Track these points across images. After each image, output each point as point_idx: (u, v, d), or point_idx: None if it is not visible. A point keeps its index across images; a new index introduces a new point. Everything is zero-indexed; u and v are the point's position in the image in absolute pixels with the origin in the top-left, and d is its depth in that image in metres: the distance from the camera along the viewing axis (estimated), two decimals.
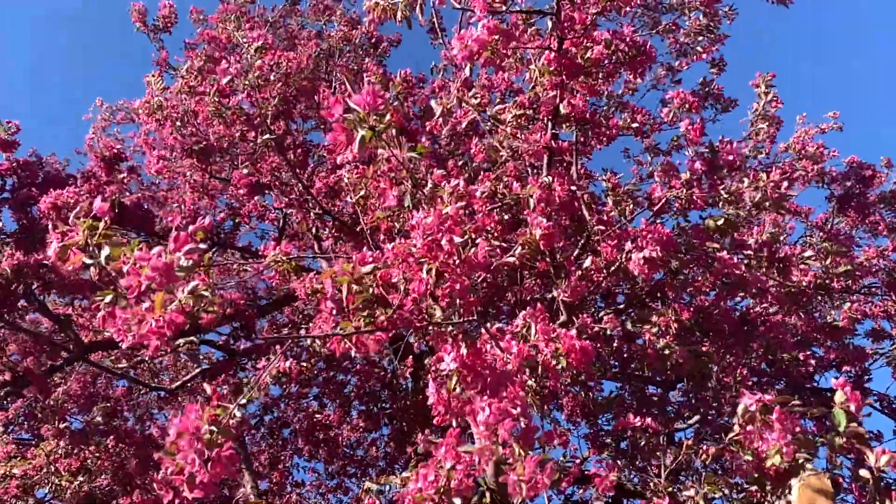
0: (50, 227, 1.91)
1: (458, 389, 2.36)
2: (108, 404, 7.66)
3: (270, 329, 7.02)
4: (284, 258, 3.46)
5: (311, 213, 5.77)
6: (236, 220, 6.77)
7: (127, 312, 1.76)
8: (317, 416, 7.63)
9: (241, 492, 8.16)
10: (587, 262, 3.79)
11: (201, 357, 7.76)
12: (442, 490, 2.36)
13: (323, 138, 6.91)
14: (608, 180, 4.26)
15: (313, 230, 6.40)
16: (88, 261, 1.82)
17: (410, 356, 6.43)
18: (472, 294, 2.50)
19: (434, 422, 2.40)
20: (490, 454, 2.22)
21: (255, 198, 6.04)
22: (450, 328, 2.41)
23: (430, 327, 2.38)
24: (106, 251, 1.78)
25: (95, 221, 1.85)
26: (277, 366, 5.19)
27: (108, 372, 7.29)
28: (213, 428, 1.73)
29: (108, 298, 1.82)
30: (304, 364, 6.27)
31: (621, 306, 5.83)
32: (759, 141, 4.98)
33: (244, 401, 1.99)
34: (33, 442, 7.62)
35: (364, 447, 8.40)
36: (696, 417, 6.68)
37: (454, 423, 2.41)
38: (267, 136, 4.45)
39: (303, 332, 5.50)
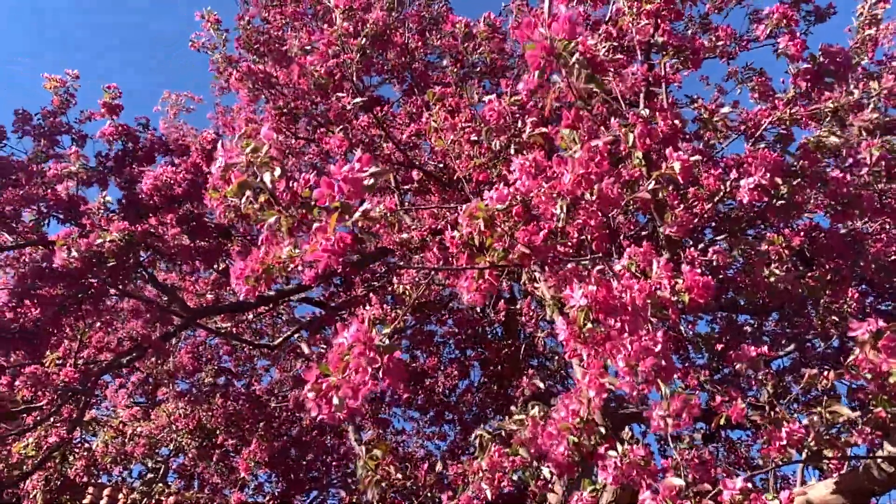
0: (219, 146, 1.93)
1: (588, 325, 2.38)
2: (216, 366, 8.11)
3: (362, 283, 7.20)
4: (390, 213, 3.53)
5: (395, 168, 5.83)
6: (313, 187, 6.86)
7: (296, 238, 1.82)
8: (413, 364, 7.84)
9: (346, 441, 8.56)
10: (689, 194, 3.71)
11: (300, 316, 8.07)
12: (584, 418, 2.42)
13: (393, 91, 6.93)
14: (704, 108, 4.12)
15: (393, 182, 6.47)
16: (251, 181, 1.85)
17: (501, 301, 6.50)
18: (603, 229, 2.50)
19: (566, 356, 2.45)
20: (632, 389, 2.25)
21: (343, 158, 6.14)
22: (581, 263, 2.43)
23: (561, 262, 2.41)
24: (277, 171, 1.82)
25: (259, 145, 1.89)
26: (374, 312, 5.30)
27: (215, 334, 7.68)
28: (384, 338, 1.76)
29: (273, 219, 1.86)
30: (398, 310, 6.44)
31: (713, 238, 5.71)
32: (865, 48, 4.68)
33: (388, 330, 2.03)
34: (149, 405, 8.17)
35: (457, 393, 8.59)
36: (794, 346, 6.54)
37: (582, 358, 2.45)
38: (358, 99, 4.50)
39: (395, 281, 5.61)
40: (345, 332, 1.72)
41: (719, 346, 6.23)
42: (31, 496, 6.19)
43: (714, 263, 3.94)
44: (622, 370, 2.11)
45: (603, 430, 2.23)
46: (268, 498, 8.02)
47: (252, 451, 6.87)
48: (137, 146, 5.43)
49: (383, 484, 3.60)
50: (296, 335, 7.61)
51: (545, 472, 3.90)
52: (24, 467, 5.73)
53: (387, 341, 1.73)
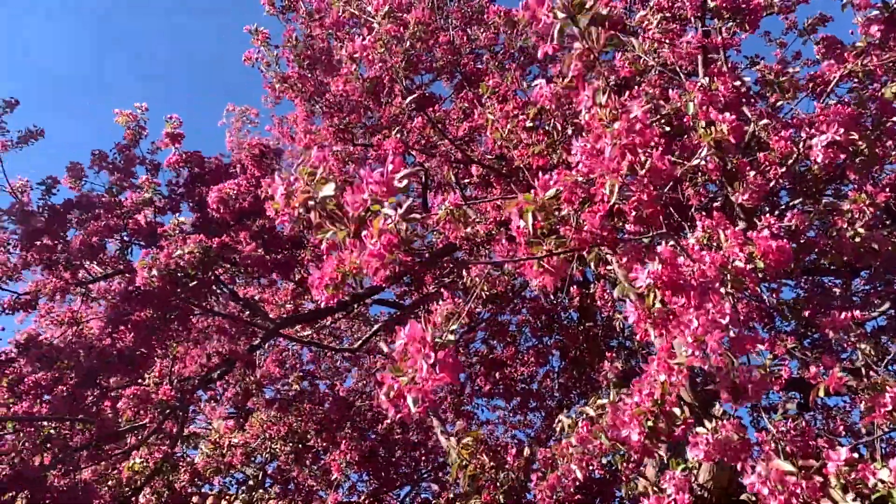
0: (275, 176, 2.06)
1: (656, 304, 2.34)
2: (300, 372, 8.37)
3: (433, 280, 7.27)
4: (455, 209, 3.55)
5: (453, 164, 5.85)
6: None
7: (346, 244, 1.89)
8: (491, 355, 7.87)
9: (433, 436, 8.67)
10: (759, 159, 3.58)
11: (374, 317, 8.23)
12: (658, 401, 2.38)
13: (444, 89, 6.95)
14: (769, 69, 3.96)
15: (453, 179, 6.50)
16: (311, 201, 1.94)
17: (574, 286, 6.44)
18: (659, 205, 2.45)
19: (638, 337, 2.41)
20: (703, 364, 2.21)
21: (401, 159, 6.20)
22: (642, 241, 2.39)
23: (620, 243, 2.37)
24: (330, 187, 1.89)
25: (313, 170, 1.98)
26: (448, 307, 5.30)
27: (298, 342, 7.92)
28: (439, 334, 1.80)
29: (329, 233, 1.95)
30: (471, 304, 6.47)
31: (790, 201, 5.49)
32: None
33: (454, 326, 2.06)
34: (241, 415, 8.50)
35: (538, 380, 8.57)
36: (888, 304, 6.23)
37: (657, 339, 2.41)
38: (410, 98, 4.54)
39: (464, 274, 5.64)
40: (401, 333, 1.77)
41: (807, 312, 5.99)
42: None
43: (793, 227, 3.79)
44: (691, 346, 2.07)
45: (679, 410, 2.18)
46: (363, 497, 8.22)
47: (343, 452, 7.06)
48: (204, 169, 5.67)
49: (475, 472, 3.65)
50: (374, 336, 7.76)
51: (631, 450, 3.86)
52: (135, 484, 6.08)
53: (443, 338, 1.77)
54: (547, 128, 4.20)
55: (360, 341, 7.69)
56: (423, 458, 9.23)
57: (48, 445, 4.70)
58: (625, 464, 3.89)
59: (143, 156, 5.66)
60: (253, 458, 8.19)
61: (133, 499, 6.13)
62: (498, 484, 3.77)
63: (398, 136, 4.81)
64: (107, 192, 5.53)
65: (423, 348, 1.73)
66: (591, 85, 2.07)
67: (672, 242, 2.56)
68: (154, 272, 4.36)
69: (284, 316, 7.25)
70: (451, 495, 6.30)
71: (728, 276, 2.47)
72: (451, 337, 1.89)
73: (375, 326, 7.49)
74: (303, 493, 7.82)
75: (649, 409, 2.37)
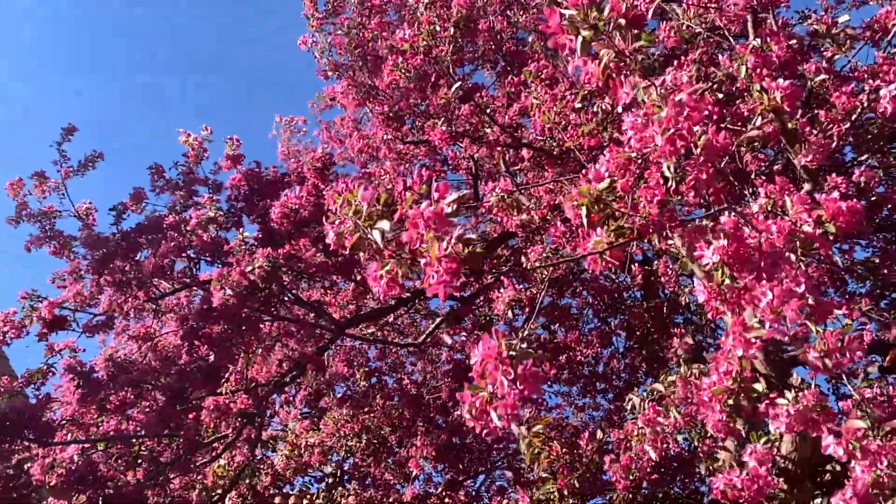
0: (325, 219, 2.12)
1: (726, 281, 2.29)
2: (367, 369, 8.52)
3: (490, 270, 7.28)
4: (506, 196, 3.55)
5: (503, 150, 5.83)
6: (429, 182, 6.99)
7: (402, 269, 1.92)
8: (554, 340, 7.84)
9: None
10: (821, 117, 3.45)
11: (435, 310, 8.29)
12: (737, 378, 2.33)
13: (486, 77, 6.92)
14: (819, 21, 3.81)
15: (503, 166, 6.47)
16: (368, 235, 2.00)
17: (636, 264, 6.35)
18: (718, 180, 2.39)
19: (710, 316, 2.37)
20: (784, 336, 2.15)
21: (450, 150, 6.23)
22: (704, 219, 2.34)
23: (682, 224, 2.32)
24: (384, 224, 1.95)
25: (359, 207, 2.04)
26: (510, 294, 5.30)
27: (362, 340, 8.06)
28: (514, 350, 1.82)
29: (388, 266, 2.00)
30: (531, 290, 6.46)
31: (856, 158, 5.27)
32: None
33: (527, 333, 2.06)
34: (315, 415, 8.69)
35: (603, 362, 8.49)
36: None
37: (728, 314, 2.36)
38: (456, 86, 4.56)
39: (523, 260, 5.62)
40: (476, 351, 1.79)
41: (884, 271, 5.76)
42: None
43: (861, 185, 3.65)
44: (768, 318, 2.02)
45: (761, 386, 2.13)
46: (439, 488, 8.32)
47: (419, 447, 7.16)
48: (262, 183, 5.81)
49: (549, 458, 3.67)
50: (437, 328, 7.83)
51: (710, 428, 3.79)
52: (220, 489, 6.32)
53: (519, 349, 1.78)
54: (596, 108, 4.14)
55: (424, 335, 7.77)
56: (495, 445, 9.27)
57: (139, 462, 4.93)
58: (702, 440, 3.84)
59: (205, 176, 5.87)
60: (330, 457, 8.38)
61: (219, 503, 6.37)
62: (572, 468, 3.77)
63: (444, 126, 4.82)
64: (169, 211, 5.74)
65: (501, 364, 1.74)
66: (627, 81, 2.03)
67: (735, 214, 2.50)
68: (229, 291, 4.53)
69: (348, 316, 7.38)
70: (527, 481, 6.32)
71: (797, 242, 2.40)
72: (528, 349, 1.91)
73: (437, 320, 7.55)
74: (381, 487, 7.96)
75: (729, 387, 2.32)
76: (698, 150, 2.21)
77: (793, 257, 2.46)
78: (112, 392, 5.24)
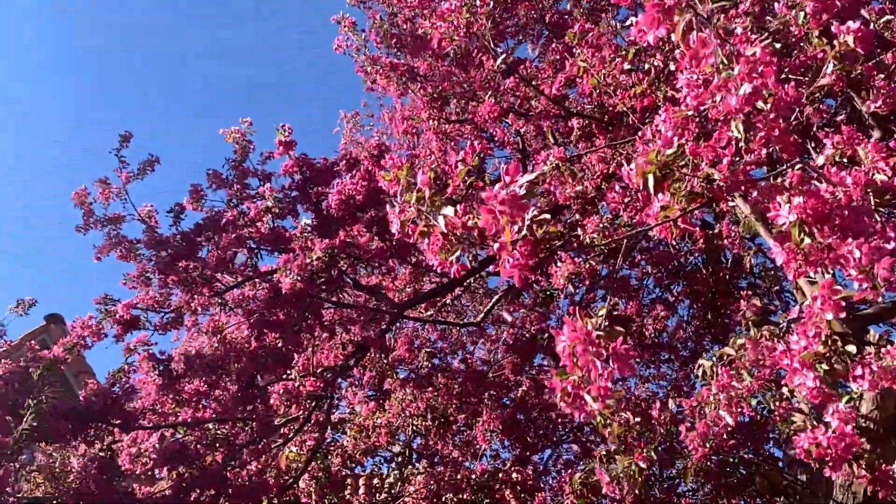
0: (388, 208, 2.13)
1: (805, 240, 2.21)
2: (429, 350, 8.60)
3: (546, 243, 7.22)
4: (559, 163, 3.50)
5: (552, 123, 5.75)
6: (482, 155, 6.96)
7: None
8: (615, 312, 7.75)
9: None
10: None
11: (493, 288, 8.30)
12: (827, 342, 2.25)
13: (529, 53, 6.82)
14: None
15: (553, 139, 6.39)
16: (433, 222, 2.00)
17: (697, 229, 6.20)
18: (790, 135, 2.30)
19: (791, 277, 2.29)
20: (876, 296, 2.06)
21: (498, 126, 6.18)
22: (776, 176, 2.25)
23: (757, 184, 2.25)
24: (448, 211, 1.94)
25: (421, 193, 2.03)
26: (569, 268, 5.25)
27: (422, 322, 8.14)
28: (602, 329, 1.80)
29: (457, 254, 1.99)
30: (591, 262, 6.38)
31: None
32: None
33: (604, 311, 2.03)
34: (380, 397, 8.84)
35: (667, 332, 8.36)
36: None
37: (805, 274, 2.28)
38: (501, 58, 4.52)
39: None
40: (561, 337, 1.77)
41: None
42: (306, 494, 7.01)
43: None
44: (856, 279, 1.93)
45: (853, 348, 2.05)
46: (508, 464, 8.38)
47: (486, 422, 7.21)
48: (314, 171, 5.88)
49: (622, 430, 3.64)
50: (495, 306, 7.84)
51: (785, 391, 3.70)
52: (294, 472, 6.51)
53: (606, 328, 1.75)
54: (646, 66, 4.03)
55: (483, 313, 7.80)
56: (560, 420, 9.27)
57: (217, 446, 5.13)
58: (777, 403, 3.74)
59: (254, 168, 5.97)
60: (397, 437, 8.52)
61: (295, 485, 6.57)
62: (647, 440, 3.74)
63: (492, 99, 4.78)
64: (227, 206, 5.88)
65: (591, 346, 1.73)
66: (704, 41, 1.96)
67: (806, 168, 2.41)
68: (295, 277, 4.67)
69: (406, 298, 7.46)
70: (601, 454, 6.29)
71: (873, 194, 2.30)
72: (612, 327, 1.87)
73: (496, 297, 7.56)
74: (449, 465, 8.06)
75: (820, 351, 2.24)
76: (768, 105, 2.13)
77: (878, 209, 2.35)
78: (187, 383, 5.44)
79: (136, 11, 27.70)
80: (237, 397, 5.26)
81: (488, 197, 1.71)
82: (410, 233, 2.06)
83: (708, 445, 3.45)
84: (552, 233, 1.90)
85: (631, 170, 2.26)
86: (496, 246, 1.83)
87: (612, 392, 1.84)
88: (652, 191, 2.25)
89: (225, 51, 29.71)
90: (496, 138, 6.63)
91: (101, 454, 4.45)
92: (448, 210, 1.95)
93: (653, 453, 3.63)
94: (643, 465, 3.60)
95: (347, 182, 5.33)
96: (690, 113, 2.32)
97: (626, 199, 3.91)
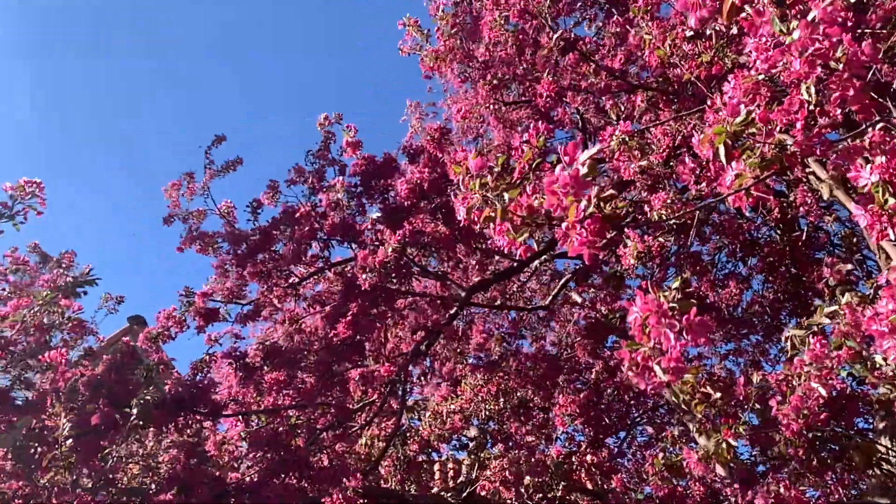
0: (453, 196, 2.16)
1: (889, 201, 2.13)
2: (500, 334, 8.63)
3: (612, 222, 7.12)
4: (626, 137, 3.44)
5: (614, 99, 5.66)
6: (545, 136, 6.90)
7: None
8: (687, 289, 7.58)
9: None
10: None
11: (561, 271, 8.26)
12: None
13: (587, 30, 6.70)
14: None
15: (615, 117, 6.28)
16: (498, 207, 2.00)
17: (771, 197, 5.99)
18: (867, 94, 2.21)
19: (874, 240, 2.22)
20: None
21: (559, 106, 6.12)
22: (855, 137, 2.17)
23: (833, 146, 2.17)
24: (512, 194, 1.95)
25: (484, 180, 2.04)
26: (637, 246, 5.16)
27: (490, 307, 8.17)
28: (675, 301, 1.78)
29: (524, 236, 2.00)
30: (660, 239, 6.26)
31: None
32: None
33: (677, 284, 2.00)
34: (452, 382, 8.93)
35: (742, 307, 8.12)
36: None
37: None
38: (556, 35, 4.47)
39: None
40: (634, 307, 1.76)
41: None
42: (385, 479, 7.18)
43: None
44: None
45: None
46: (582, 446, 8.34)
47: (562, 406, 7.20)
48: (377, 166, 5.99)
49: (706, 408, 3.57)
50: (563, 288, 7.80)
51: (878, 359, 3.55)
52: (374, 457, 6.68)
53: (678, 300, 1.74)
54: (710, 32, 3.92)
55: (552, 296, 7.77)
56: (633, 401, 9.18)
57: (298, 432, 5.32)
58: (871, 372, 3.59)
59: (333, 157, 6.14)
60: (471, 422, 8.59)
61: (375, 469, 6.73)
62: (734, 416, 3.65)
63: (550, 77, 4.74)
64: (306, 197, 6.07)
65: (664, 318, 1.71)
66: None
67: (888, 127, 2.32)
68: (373, 274, 4.85)
69: (473, 283, 7.50)
70: (673, 434, 6.22)
71: None
72: (678, 303, 1.85)
73: (563, 279, 7.52)
74: (524, 448, 8.08)
75: None
76: (841, 65, 2.06)
77: None
78: (267, 373, 5.66)
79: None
80: (315, 385, 5.44)
81: (551, 180, 1.73)
82: (476, 219, 2.08)
83: (801, 419, 3.34)
84: (619, 208, 1.88)
85: (701, 140, 2.22)
86: (563, 225, 1.83)
87: (684, 364, 1.82)
88: (724, 160, 2.21)
89: (297, 48, 30.35)
90: (556, 119, 6.57)
91: (189, 442, 4.68)
92: (512, 194, 1.96)
93: (741, 429, 3.55)
94: (732, 443, 3.52)
95: (415, 170, 5.41)
96: (761, 77, 2.26)
97: (695, 172, 3.81)
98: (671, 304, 1.82)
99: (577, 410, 7.33)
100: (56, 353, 3.98)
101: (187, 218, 6.15)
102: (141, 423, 3.98)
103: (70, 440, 3.66)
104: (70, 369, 4.28)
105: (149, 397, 4.10)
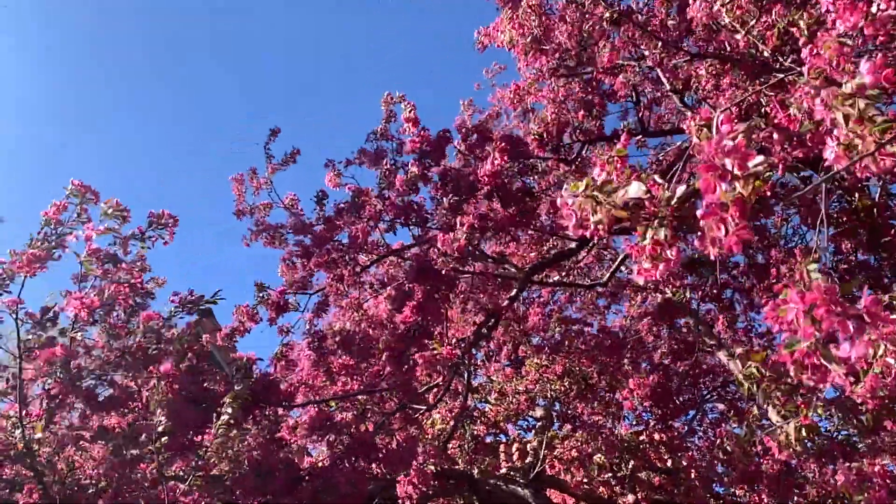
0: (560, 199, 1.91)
1: None
2: (561, 315, 8.61)
3: None
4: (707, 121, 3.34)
5: (670, 67, 5.53)
6: (592, 112, 6.80)
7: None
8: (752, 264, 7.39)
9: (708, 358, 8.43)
10: None
11: (619, 249, 8.13)
12: None
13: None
14: None
15: (670, 85, 6.14)
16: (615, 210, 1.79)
17: None
18: None
19: None
20: None
21: (614, 77, 6.02)
22: None
23: None
24: (636, 188, 1.68)
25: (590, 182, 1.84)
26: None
27: (549, 286, 8.15)
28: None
29: (650, 234, 1.76)
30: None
31: None
32: None
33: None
34: (516, 364, 8.96)
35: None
36: None
37: None
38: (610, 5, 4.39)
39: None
40: (791, 299, 1.48)
41: None
42: (454, 461, 7.30)
43: None
44: None
45: None
46: (651, 425, 8.27)
47: (632, 389, 7.15)
48: (431, 145, 6.00)
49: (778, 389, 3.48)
50: (622, 265, 7.70)
51: None
52: (442, 439, 6.79)
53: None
54: None
55: (609, 273, 7.68)
56: (703, 381, 9.04)
57: (367, 416, 5.46)
58: None
59: (391, 134, 6.18)
60: (537, 402, 8.62)
61: (443, 451, 6.84)
62: (814, 391, 3.55)
63: (607, 50, 4.65)
64: (379, 182, 6.13)
65: (835, 305, 1.43)
66: None
67: None
68: (447, 258, 4.93)
69: (532, 264, 7.48)
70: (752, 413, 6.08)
71: None
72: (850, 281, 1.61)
73: (622, 256, 7.43)
74: (591, 427, 8.07)
75: None
76: None
77: None
78: (336, 358, 5.80)
79: None
80: (382, 369, 5.55)
81: (709, 151, 1.49)
82: (587, 225, 1.83)
83: (878, 398, 3.22)
84: (759, 187, 1.64)
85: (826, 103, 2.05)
86: (701, 212, 1.55)
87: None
88: (843, 124, 2.01)
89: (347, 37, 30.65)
90: (609, 91, 6.47)
91: (267, 430, 4.85)
92: (636, 190, 1.67)
93: (819, 411, 3.44)
94: (812, 427, 3.41)
95: (498, 158, 5.38)
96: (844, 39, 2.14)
97: (788, 142, 3.64)
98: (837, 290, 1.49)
99: (648, 393, 7.24)
100: (169, 365, 4.23)
101: (253, 211, 6.32)
102: (231, 419, 4.17)
103: (165, 437, 3.87)
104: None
105: (241, 395, 4.30)
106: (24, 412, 3.71)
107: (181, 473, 4.49)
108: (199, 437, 4.48)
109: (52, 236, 3.80)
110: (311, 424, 5.12)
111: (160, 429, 3.60)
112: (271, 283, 6.14)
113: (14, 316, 3.83)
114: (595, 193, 1.67)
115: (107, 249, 3.99)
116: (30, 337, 3.95)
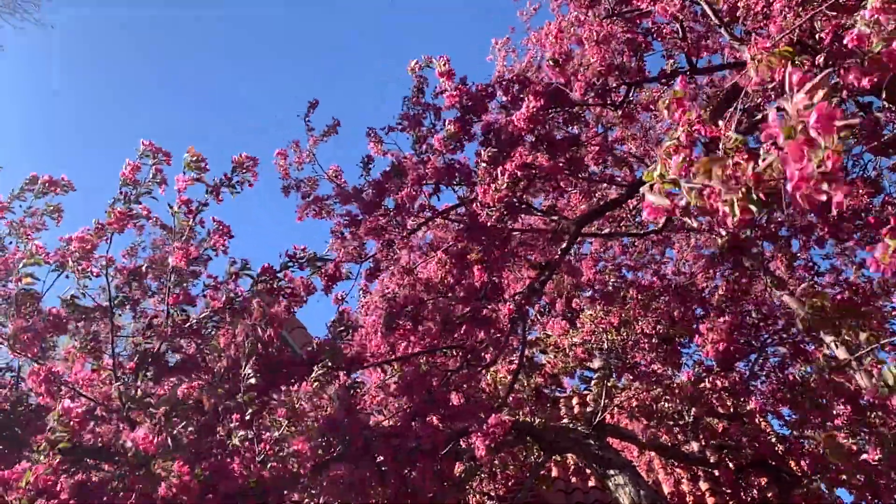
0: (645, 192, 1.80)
1: None
2: (613, 266, 8.52)
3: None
4: (765, 52, 3.21)
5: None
6: (639, 53, 6.60)
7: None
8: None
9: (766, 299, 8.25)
10: None
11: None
12: None
13: None
14: None
15: (718, 19, 5.89)
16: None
17: None
18: None
19: None
20: None
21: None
22: None
23: None
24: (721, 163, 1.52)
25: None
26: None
27: (600, 237, 8.04)
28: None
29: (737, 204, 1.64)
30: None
31: None
32: None
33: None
34: (570, 316, 8.93)
35: (874, 209, 7.56)
36: None
37: None
38: None
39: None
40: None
41: None
42: (514, 414, 7.37)
43: None
44: None
45: None
46: (713, 370, 8.18)
47: (705, 334, 7.03)
48: (472, 98, 5.89)
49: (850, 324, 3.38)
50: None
51: None
52: (502, 392, 6.85)
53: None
54: None
55: (662, 221, 7.52)
56: (763, 325, 8.87)
57: (431, 376, 5.53)
58: None
59: (427, 102, 6.11)
60: (594, 353, 8.59)
61: (504, 405, 6.91)
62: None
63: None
64: (412, 146, 6.10)
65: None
66: None
67: None
68: (493, 210, 4.91)
69: (583, 214, 7.39)
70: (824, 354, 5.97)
71: None
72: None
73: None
74: (651, 377, 8.01)
75: None
76: None
77: None
78: (404, 322, 5.86)
79: None
80: (441, 329, 5.59)
81: (799, 118, 1.35)
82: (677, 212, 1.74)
83: None
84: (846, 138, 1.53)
85: None
86: (790, 185, 1.49)
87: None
88: None
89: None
90: (650, 30, 6.26)
91: (342, 390, 4.94)
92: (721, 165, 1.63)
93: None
94: None
95: (532, 101, 5.28)
96: None
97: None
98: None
99: (723, 336, 7.06)
100: (257, 313, 4.30)
101: (300, 185, 6.37)
102: (321, 376, 4.27)
103: (254, 391, 3.93)
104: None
105: (336, 351, 4.41)
106: (117, 367, 3.79)
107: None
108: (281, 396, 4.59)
109: (131, 195, 3.88)
110: (392, 385, 5.22)
111: (251, 381, 3.69)
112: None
113: (104, 273, 3.92)
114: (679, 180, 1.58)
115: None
116: (119, 295, 4.06)
